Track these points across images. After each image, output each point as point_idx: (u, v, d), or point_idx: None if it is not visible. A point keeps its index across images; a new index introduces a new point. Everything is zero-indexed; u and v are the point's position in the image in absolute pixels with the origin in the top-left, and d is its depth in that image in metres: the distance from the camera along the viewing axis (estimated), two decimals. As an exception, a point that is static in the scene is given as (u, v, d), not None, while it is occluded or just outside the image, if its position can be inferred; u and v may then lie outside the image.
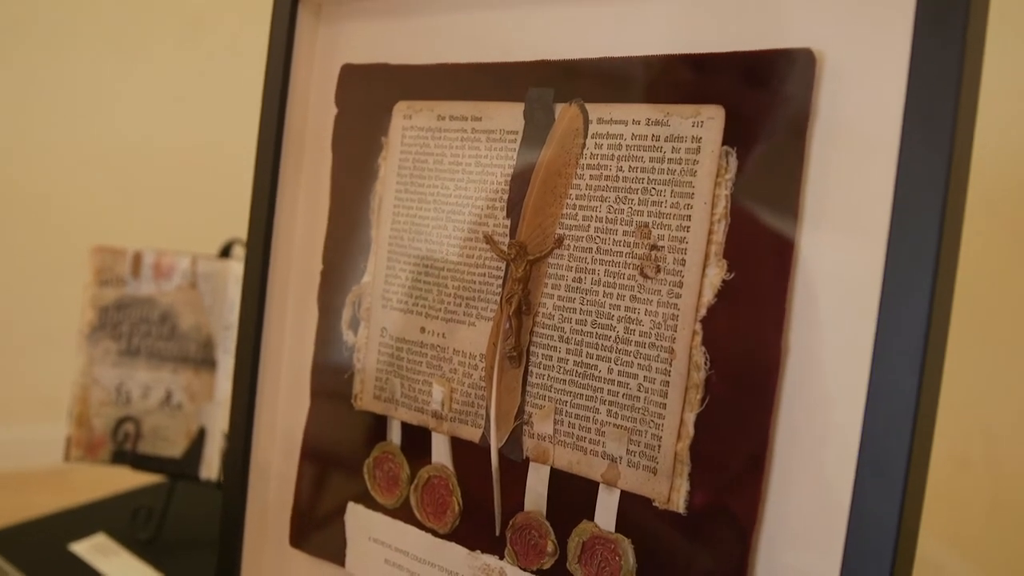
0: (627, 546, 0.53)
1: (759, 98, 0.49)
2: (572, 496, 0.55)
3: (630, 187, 0.53)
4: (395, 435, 0.64)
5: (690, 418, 0.50)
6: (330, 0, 0.69)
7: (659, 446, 0.51)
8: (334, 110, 0.68)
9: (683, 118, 0.51)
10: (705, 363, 0.50)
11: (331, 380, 0.67)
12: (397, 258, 0.63)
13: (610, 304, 0.53)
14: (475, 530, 0.59)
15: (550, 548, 0.56)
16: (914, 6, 0.43)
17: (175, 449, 0.96)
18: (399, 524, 0.63)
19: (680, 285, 0.51)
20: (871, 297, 0.45)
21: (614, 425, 0.53)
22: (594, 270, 0.54)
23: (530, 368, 0.57)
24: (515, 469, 0.58)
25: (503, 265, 0.58)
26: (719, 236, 0.50)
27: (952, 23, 0.42)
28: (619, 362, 0.53)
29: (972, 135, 0.45)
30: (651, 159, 0.52)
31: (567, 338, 0.55)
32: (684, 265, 0.51)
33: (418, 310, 0.62)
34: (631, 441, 0.52)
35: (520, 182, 0.58)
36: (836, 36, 0.47)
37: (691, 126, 0.51)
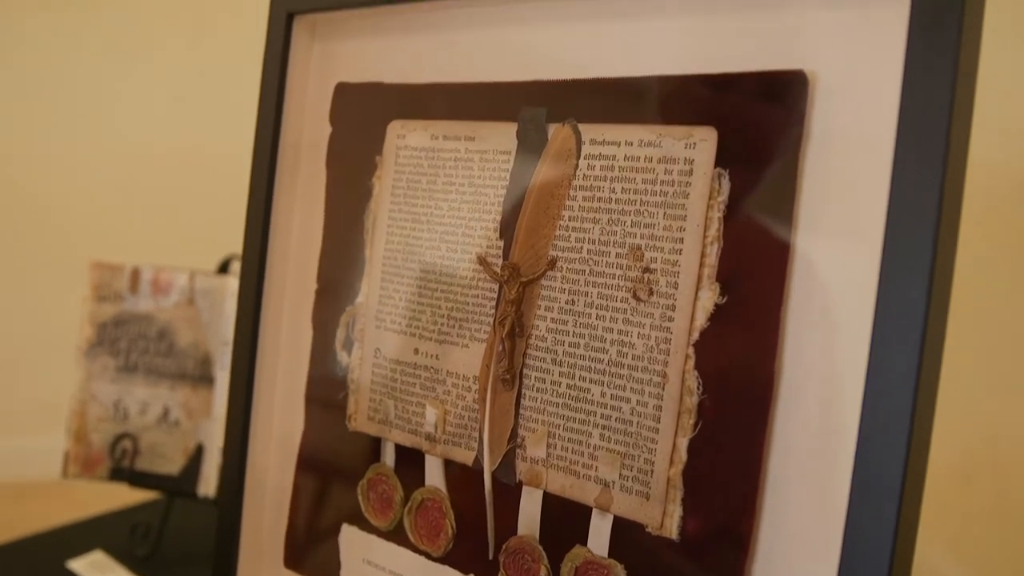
0: (620, 572, 0.52)
1: (752, 120, 0.48)
2: (565, 520, 0.55)
3: (623, 209, 0.53)
4: (389, 457, 0.63)
5: (683, 443, 0.50)
6: (325, 17, 0.68)
7: (652, 471, 0.51)
8: (329, 128, 0.68)
9: (676, 140, 0.51)
10: (698, 387, 0.49)
11: (325, 400, 0.67)
12: (391, 278, 0.63)
13: (603, 327, 0.53)
14: (469, 553, 0.59)
15: (543, 573, 0.55)
16: (906, 28, 0.43)
17: (172, 466, 0.95)
18: (393, 547, 0.63)
19: (673, 308, 0.50)
20: (865, 319, 0.44)
21: (607, 449, 0.53)
22: (587, 292, 0.54)
23: (523, 391, 0.56)
24: (508, 492, 0.57)
25: (496, 286, 0.58)
26: (712, 259, 0.49)
27: (944, 43, 0.42)
28: (612, 386, 0.53)
29: (966, 154, 0.44)
30: (644, 181, 0.52)
31: (560, 361, 0.55)
32: (677, 288, 0.50)
33: (412, 331, 0.62)
34: (624, 466, 0.52)
35: (513, 203, 0.57)
36: (829, 57, 0.47)
37: (684, 148, 0.50)
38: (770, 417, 0.48)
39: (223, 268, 0.99)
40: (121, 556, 0.96)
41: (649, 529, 0.51)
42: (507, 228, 0.57)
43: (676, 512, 0.50)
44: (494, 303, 0.58)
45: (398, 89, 0.64)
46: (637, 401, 0.52)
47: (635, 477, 0.51)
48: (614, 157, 0.53)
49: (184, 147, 2.48)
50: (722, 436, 0.49)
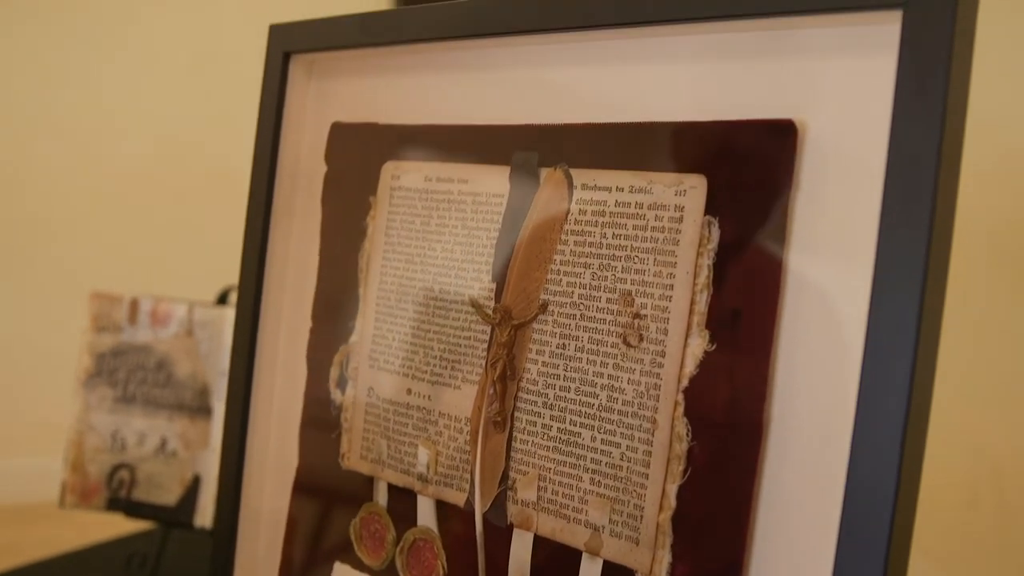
0: (610, 617, 0.52)
1: (741, 168, 0.49)
2: (555, 563, 0.55)
3: (613, 254, 0.53)
4: (381, 496, 0.63)
5: (672, 489, 0.50)
6: (321, 57, 0.69)
7: (641, 516, 0.51)
8: (324, 167, 0.68)
9: (666, 186, 0.51)
10: (687, 434, 0.50)
11: (319, 438, 0.67)
12: (384, 318, 0.63)
13: (593, 372, 0.53)
14: (459, 595, 0.59)
15: (533, 616, 0.55)
16: (894, 77, 0.43)
17: (170, 496, 0.95)
18: (385, 586, 0.63)
19: (663, 355, 0.51)
20: (854, 366, 0.44)
21: (597, 494, 0.53)
22: (578, 337, 0.54)
23: (515, 433, 0.56)
24: (499, 534, 0.57)
25: (489, 329, 0.58)
26: (701, 306, 0.49)
27: (931, 94, 0.42)
28: (602, 430, 0.53)
29: (954, 202, 0.44)
30: (634, 227, 0.52)
31: (551, 404, 0.55)
32: (667, 335, 0.50)
33: (404, 371, 0.62)
34: (614, 511, 0.52)
35: (505, 246, 0.57)
36: (818, 107, 0.47)
37: (674, 194, 0.51)
38: (759, 464, 0.48)
39: (222, 299, 0.99)
40: (117, 586, 0.97)
41: (639, 574, 0.51)
42: (499, 271, 0.58)
43: (665, 558, 0.50)
44: (486, 345, 0.58)
45: (393, 130, 0.64)
46: (627, 446, 0.52)
47: (625, 522, 0.52)
48: (605, 202, 0.53)
49: (185, 178, 2.50)
50: (711, 483, 0.49)
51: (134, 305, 0.97)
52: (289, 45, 0.69)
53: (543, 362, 0.55)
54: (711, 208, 0.49)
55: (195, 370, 0.95)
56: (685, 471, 0.50)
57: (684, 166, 0.51)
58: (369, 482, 0.64)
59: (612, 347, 0.53)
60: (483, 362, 0.58)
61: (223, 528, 0.71)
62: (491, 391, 0.57)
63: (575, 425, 0.54)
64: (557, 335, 0.55)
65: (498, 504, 0.57)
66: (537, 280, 0.56)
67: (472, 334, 0.59)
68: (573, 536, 0.54)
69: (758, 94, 0.49)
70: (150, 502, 0.96)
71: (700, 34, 0.51)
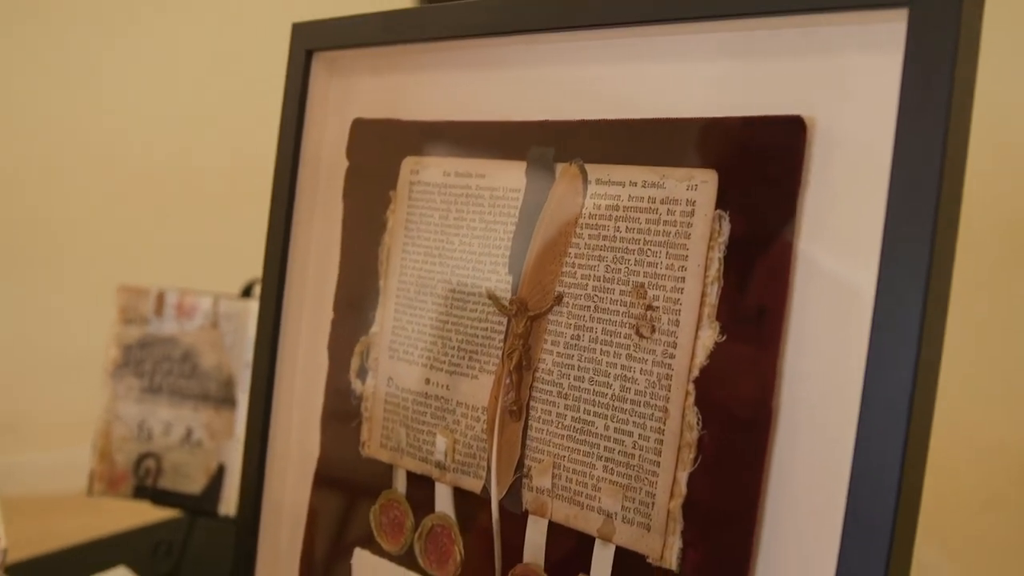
0: (621, 601, 0.54)
1: (752, 163, 0.50)
2: (569, 549, 0.56)
3: (627, 247, 0.54)
4: (400, 483, 0.65)
5: (683, 477, 0.51)
6: (343, 55, 0.70)
7: (653, 503, 0.52)
8: (346, 162, 0.70)
9: (678, 181, 0.52)
10: (698, 423, 0.51)
11: (340, 427, 0.69)
12: (404, 310, 0.65)
13: (607, 362, 0.55)
14: (476, 580, 0.60)
15: (548, 600, 0.57)
16: (900, 73, 0.44)
17: (195, 485, 0.97)
18: (403, 571, 0.64)
19: (674, 346, 0.52)
20: (860, 357, 0.45)
21: (610, 481, 0.54)
22: (592, 328, 0.55)
23: (530, 422, 0.58)
24: (515, 521, 0.59)
25: (505, 320, 0.59)
26: (712, 298, 0.51)
27: (937, 90, 0.43)
28: (615, 419, 0.54)
29: (960, 196, 0.45)
30: (647, 220, 0.53)
31: (565, 394, 0.56)
32: (678, 326, 0.52)
33: (423, 362, 0.64)
34: (626, 498, 0.53)
35: (521, 239, 0.59)
36: (827, 104, 0.48)
37: (685, 189, 0.52)
38: (768, 452, 0.49)
39: (246, 292, 1.01)
40: (143, 572, 0.98)
41: (650, 560, 0.52)
42: (515, 263, 0.59)
43: (676, 544, 0.51)
44: (503, 336, 0.59)
45: (413, 126, 0.66)
46: (639, 435, 0.53)
47: (637, 509, 0.53)
48: (619, 197, 0.55)
49: (211, 175, 2.52)
50: (721, 471, 0.50)
51: (160, 298, 0.99)
52: (312, 43, 0.70)
53: (558, 352, 0.57)
54: (722, 203, 0.51)
55: (220, 361, 0.97)
56: (695, 459, 0.51)
57: (696, 161, 0.52)
58: (388, 470, 0.65)
59: (625, 338, 0.54)
60: (500, 353, 0.59)
61: (246, 516, 0.73)
62: (507, 381, 0.58)
63: (589, 414, 0.55)
64: (572, 326, 0.56)
65: (514, 491, 0.58)
66: (552, 272, 0.57)
67: (489, 325, 0.60)
68: (587, 522, 0.55)
69: (768, 91, 0.50)
70: (176, 491, 0.98)
71: (710, 33, 0.52)
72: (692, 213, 0.52)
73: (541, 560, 0.57)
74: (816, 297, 0.48)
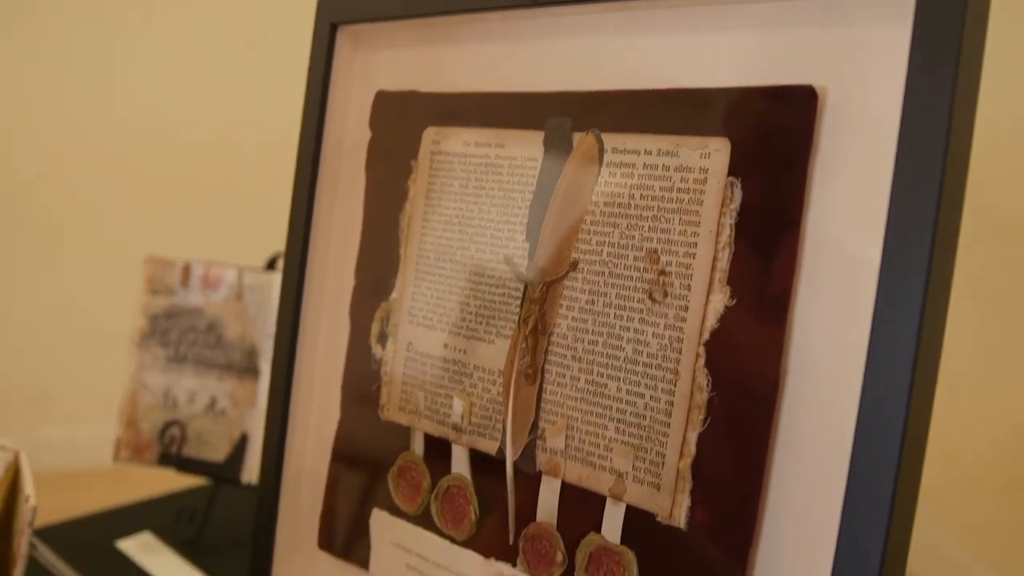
0: (631, 558, 0.55)
1: (763, 132, 0.51)
2: (581, 508, 0.58)
3: (641, 214, 0.55)
4: (418, 445, 0.67)
5: (692, 437, 0.53)
6: (367, 28, 0.72)
7: (663, 463, 0.54)
8: (369, 133, 0.71)
9: (691, 150, 0.54)
10: (707, 385, 0.52)
11: (360, 391, 0.70)
12: (424, 276, 0.66)
13: (620, 326, 0.56)
14: (490, 538, 0.62)
15: (559, 558, 0.58)
16: (908, 45, 0.45)
17: (218, 453, 1.00)
18: (420, 531, 0.66)
19: (685, 309, 0.53)
20: (866, 321, 0.47)
21: (621, 442, 0.55)
22: (606, 293, 0.57)
23: (545, 385, 0.59)
24: (529, 481, 0.60)
25: (521, 286, 0.61)
26: (723, 263, 0.52)
27: (944, 63, 0.44)
28: (627, 381, 0.55)
29: (966, 164, 0.46)
30: (661, 188, 0.55)
31: (579, 357, 0.58)
32: (690, 291, 0.53)
33: (442, 327, 0.65)
34: (637, 458, 0.55)
35: (538, 207, 0.60)
36: (838, 73, 0.49)
37: (699, 157, 0.53)
38: (775, 414, 0.50)
39: (271, 265, 1.03)
40: (168, 538, 1.01)
41: (659, 518, 0.54)
42: (532, 231, 0.61)
43: (685, 502, 0.53)
44: (519, 302, 0.61)
45: (433, 97, 0.67)
46: (650, 397, 0.54)
47: (647, 469, 0.54)
48: (634, 165, 0.56)
49: (237, 150, 2.54)
50: (730, 431, 0.51)
51: (186, 269, 1.01)
52: (336, 16, 0.72)
53: (573, 317, 0.58)
54: (734, 170, 0.52)
55: (244, 332, 0.99)
56: (705, 420, 0.52)
57: (709, 130, 0.53)
58: (406, 433, 0.67)
59: (638, 302, 0.55)
60: (516, 318, 0.61)
61: (267, 482, 0.74)
62: (523, 345, 0.60)
63: (602, 376, 0.57)
64: (586, 291, 0.58)
65: (528, 452, 0.60)
66: (568, 239, 0.58)
67: (506, 291, 0.62)
68: (598, 482, 0.57)
69: (781, 62, 0.51)
70: (200, 458, 1.00)
71: (725, 4, 0.53)
72: (705, 180, 0.53)
73: (554, 519, 0.59)
74: (824, 260, 0.49)
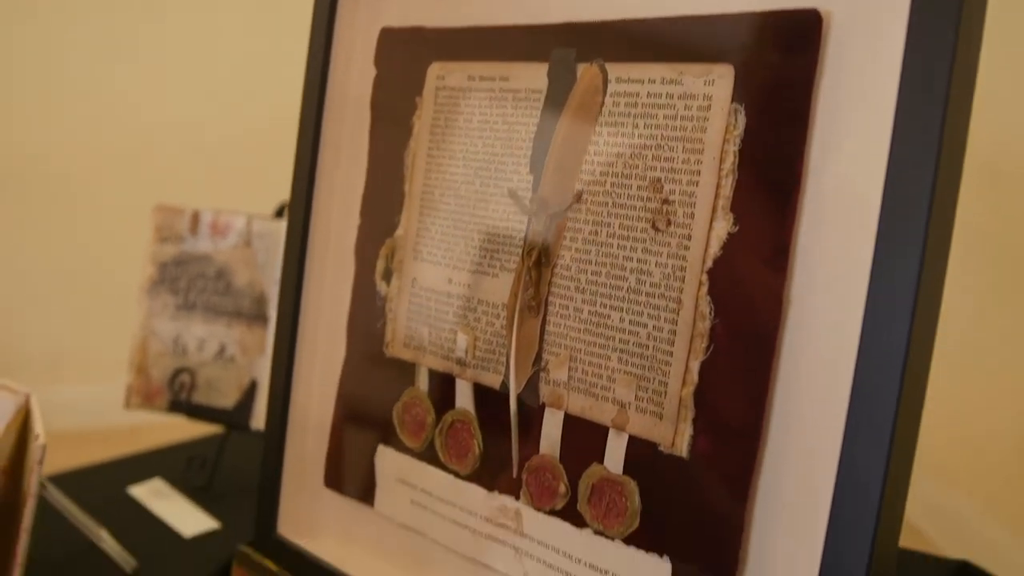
0: (633, 488, 0.55)
1: (767, 57, 0.51)
2: (584, 440, 0.58)
3: (644, 144, 0.55)
4: (422, 381, 0.67)
5: (695, 366, 0.52)
6: (373, -34, 0.71)
7: (665, 392, 0.54)
8: (373, 71, 0.71)
9: (695, 77, 0.53)
10: (710, 313, 0.52)
11: (365, 329, 0.70)
12: (428, 212, 0.66)
13: (623, 256, 0.56)
14: (494, 472, 0.62)
15: (562, 490, 0.58)
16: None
17: (227, 400, 1.00)
18: (424, 466, 0.66)
19: (689, 238, 0.53)
20: (869, 245, 0.46)
21: (624, 372, 0.55)
22: (609, 223, 0.56)
23: (548, 317, 0.59)
24: (532, 414, 0.60)
25: (525, 219, 0.61)
26: (727, 190, 0.52)
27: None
28: (630, 312, 0.55)
29: (972, 89, 0.46)
30: (665, 116, 0.54)
31: (583, 288, 0.58)
32: (693, 218, 0.53)
33: (446, 262, 0.65)
34: (639, 388, 0.55)
35: (543, 139, 0.60)
36: (844, -3, 0.49)
37: (703, 84, 0.53)
38: (778, 341, 0.50)
39: (279, 213, 1.03)
40: (179, 485, 1.02)
41: (661, 448, 0.54)
42: (537, 163, 0.60)
43: (687, 431, 0.53)
44: (523, 235, 0.61)
45: (438, 33, 0.67)
46: (653, 326, 0.54)
47: (650, 398, 0.54)
48: (638, 94, 0.56)
49: (245, 98, 2.54)
50: (732, 359, 0.51)
51: (195, 217, 1.01)
52: (341, -47, 0.71)
53: (576, 248, 0.58)
54: (738, 97, 0.51)
55: (253, 279, 0.99)
56: (707, 348, 0.52)
57: (713, 57, 0.53)
58: (411, 369, 0.67)
59: (641, 232, 0.55)
60: (520, 251, 0.61)
61: (274, 421, 0.75)
62: (527, 278, 0.60)
63: (605, 307, 0.56)
64: (590, 222, 0.57)
65: (531, 385, 0.60)
66: (572, 170, 0.58)
67: (510, 224, 0.61)
68: (601, 413, 0.57)
69: (786, -15, 0.51)
70: (209, 405, 1.01)
71: (729, -75, 0.53)
72: (709, 108, 0.52)
73: (557, 452, 0.59)
74: (828, 184, 0.49)
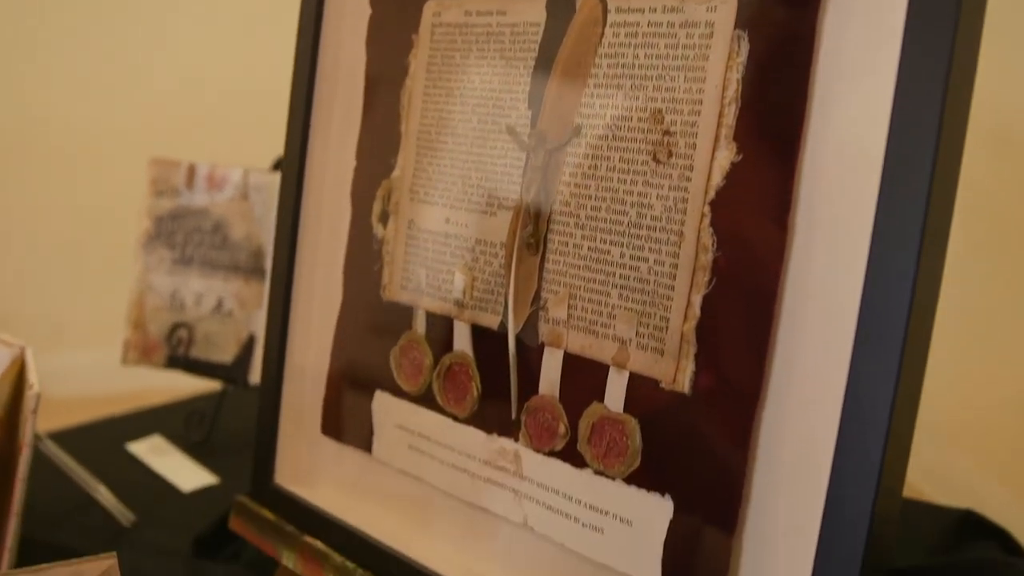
0: (634, 426, 0.54)
1: (771, -20, 0.49)
2: (584, 379, 0.57)
3: (645, 74, 0.54)
4: (420, 324, 0.66)
5: (697, 299, 0.51)
6: (368, -98, 0.70)
7: (667, 327, 0.52)
8: (369, 11, 0.69)
9: (697, 4, 0.52)
10: (712, 245, 0.51)
11: (362, 273, 0.69)
12: (425, 152, 0.65)
13: (624, 190, 0.54)
14: (493, 414, 0.61)
15: (562, 430, 0.57)
16: None
17: (226, 355, 0.99)
18: (422, 410, 0.65)
19: (690, 168, 0.52)
20: (875, 174, 0.45)
21: (625, 308, 0.54)
22: (609, 157, 0.55)
23: (547, 255, 0.58)
24: (531, 354, 0.59)
25: (524, 155, 0.59)
26: (729, 119, 0.50)
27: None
28: (631, 246, 0.54)
29: (979, 33, 0.45)
30: (666, 46, 0.53)
31: (582, 224, 0.56)
32: (695, 149, 0.51)
33: (443, 202, 0.64)
34: (640, 323, 0.54)
35: (541, 74, 0.59)
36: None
37: (705, 11, 0.51)
38: (782, 272, 0.49)
39: (276, 166, 1.02)
40: (178, 442, 1.01)
41: (663, 384, 0.53)
42: (535, 98, 0.59)
43: (689, 367, 0.52)
44: (522, 171, 0.59)
45: (435, -32, 0.65)
46: (654, 260, 0.53)
47: (651, 334, 0.53)
48: (638, 24, 0.54)
49: (242, 51, 2.52)
50: (735, 293, 0.50)
51: (191, 170, 0.99)
52: None
53: (575, 184, 0.57)
54: (740, 22, 0.50)
55: (249, 232, 0.98)
56: (710, 282, 0.51)
57: (716, -18, 0.51)
58: (408, 312, 0.66)
59: (642, 164, 0.54)
60: (518, 188, 0.59)
61: (270, 369, 0.74)
62: (525, 215, 0.58)
63: (605, 243, 0.55)
64: (590, 156, 0.56)
65: (530, 324, 0.59)
66: (571, 104, 0.57)
67: (508, 161, 0.60)
68: (601, 351, 0.55)
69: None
70: (207, 360, 1.00)
71: None
72: (711, 35, 0.51)
73: (556, 391, 0.58)
74: (832, 114, 0.47)
